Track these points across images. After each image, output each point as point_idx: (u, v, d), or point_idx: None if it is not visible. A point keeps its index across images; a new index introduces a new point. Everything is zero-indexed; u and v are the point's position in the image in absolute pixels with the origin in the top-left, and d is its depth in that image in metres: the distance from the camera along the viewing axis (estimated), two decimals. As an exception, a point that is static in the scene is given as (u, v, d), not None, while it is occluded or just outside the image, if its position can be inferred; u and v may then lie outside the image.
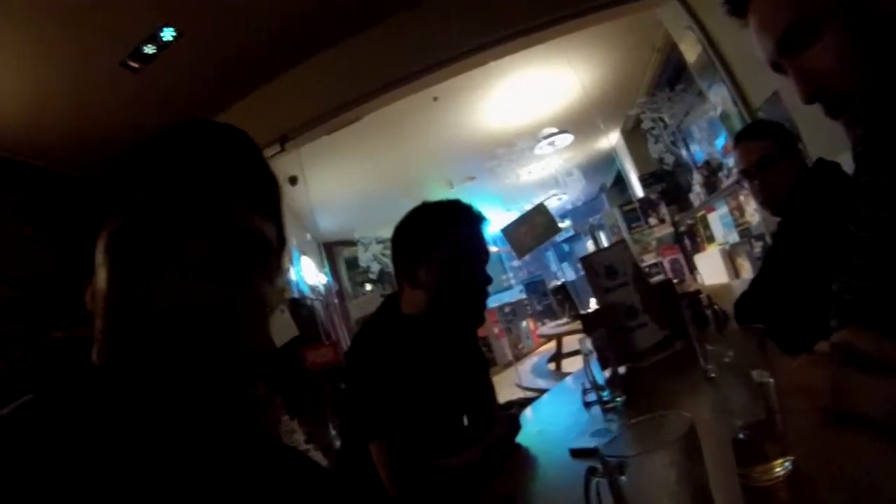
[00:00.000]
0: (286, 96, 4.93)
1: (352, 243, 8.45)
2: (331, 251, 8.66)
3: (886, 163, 1.08)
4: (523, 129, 7.50)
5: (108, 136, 3.50)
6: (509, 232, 6.03)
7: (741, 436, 0.90)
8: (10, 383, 0.73)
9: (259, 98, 4.98)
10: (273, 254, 0.82)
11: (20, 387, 0.71)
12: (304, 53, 4.71)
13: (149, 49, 3.98)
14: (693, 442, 0.66)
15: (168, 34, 3.89)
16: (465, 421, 1.86)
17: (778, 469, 0.86)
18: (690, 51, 4.99)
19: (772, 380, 0.88)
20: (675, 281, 4.03)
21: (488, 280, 1.83)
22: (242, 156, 0.83)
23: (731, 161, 5.46)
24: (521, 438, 1.72)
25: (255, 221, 0.79)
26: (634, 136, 7.97)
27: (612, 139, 8.42)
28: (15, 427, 0.65)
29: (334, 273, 8.46)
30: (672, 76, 6.32)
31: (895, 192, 1.07)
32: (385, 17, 4.50)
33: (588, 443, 1.37)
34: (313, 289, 7.16)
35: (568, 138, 7.95)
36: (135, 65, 4.09)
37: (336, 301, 7.46)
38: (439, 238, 1.77)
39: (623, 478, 0.65)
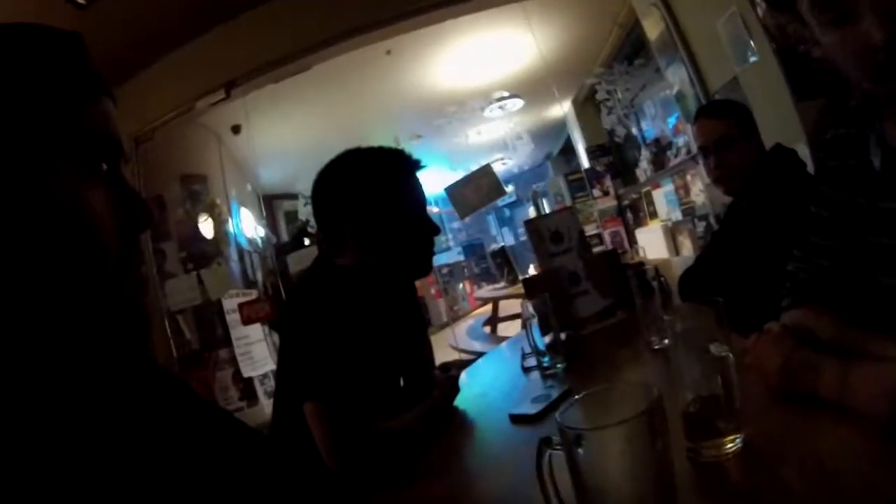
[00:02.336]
0: (233, 42, 4.75)
1: (293, 196, 8.31)
2: (270, 204, 8.48)
3: (855, 149, 1.10)
4: (475, 90, 7.43)
5: None
6: (453, 191, 5.98)
7: (692, 409, 0.88)
8: None
9: (206, 42, 4.80)
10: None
11: None
12: (254, 0, 4.55)
13: None
14: (660, 414, 0.63)
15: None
16: (402, 381, 1.81)
17: (729, 445, 0.85)
18: (653, 28, 4.96)
19: (731, 354, 0.87)
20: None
21: (436, 229, 1.77)
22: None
23: (681, 140, 5.53)
24: (460, 402, 1.69)
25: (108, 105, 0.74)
26: (586, 107, 7.97)
27: (564, 107, 8.40)
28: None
29: (273, 226, 8.31)
30: (631, 51, 6.31)
31: (859, 176, 1.09)
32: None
33: (529, 409, 1.35)
34: (251, 241, 7.04)
35: (518, 103, 7.92)
36: (81, 0, 3.90)
37: (274, 255, 7.36)
38: (387, 184, 1.69)
39: (580, 450, 0.62)
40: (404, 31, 4.64)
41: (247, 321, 5.39)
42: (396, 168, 1.74)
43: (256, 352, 5.73)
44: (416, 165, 1.79)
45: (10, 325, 0.61)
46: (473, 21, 4.91)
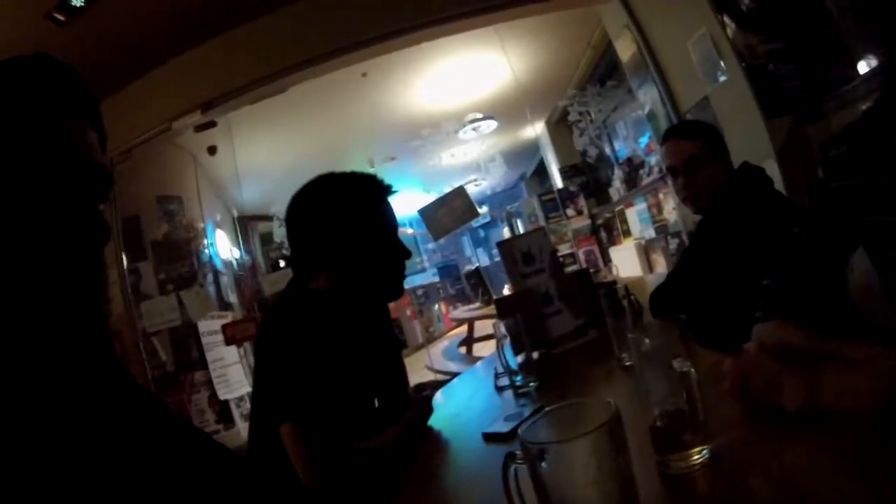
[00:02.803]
0: (211, 63, 4.78)
1: (268, 218, 8.29)
2: (245, 225, 8.47)
3: (858, 169, 1.11)
4: (450, 113, 7.49)
5: None
6: (427, 213, 6.01)
7: (658, 423, 0.90)
8: None
9: (184, 62, 4.82)
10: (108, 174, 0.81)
11: None
12: (231, 22, 4.58)
13: (77, 1, 3.84)
14: (618, 429, 0.65)
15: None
16: (376, 402, 1.82)
17: (696, 457, 0.87)
18: (625, 49, 5.04)
19: (693, 369, 0.89)
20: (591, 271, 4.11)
21: (407, 253, 1.79)
22: (79, 82, 0.81)
23: (653, 160, 5.62)
24: (434, 422, 1.70)
25: (100, 153, 0.79)
26: (559, 128, 8.09)
27: (537, 129, 8.48)
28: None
29: (248, 248, 8.28)
30: (604, 73, 6.41)
31: (858, 197, 1.10)
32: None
33: (501, 427, 1.37)
34: (226, 263, 7.01)
35: (492, 125, 8.00)
36: (61, 17, 3.93)
37: (250, 277, 7.34)
38: (360, 209, 1.71)
39: (543, 464, 0.64)
40: (380, 54, 4.67)
41: (230, 341, 5.39)
42: (369, 192, 1.76)
43: (232, 374, 5.70)
44: (387, 190, 1.80)
45: None
46: (448, 44, 4.97)
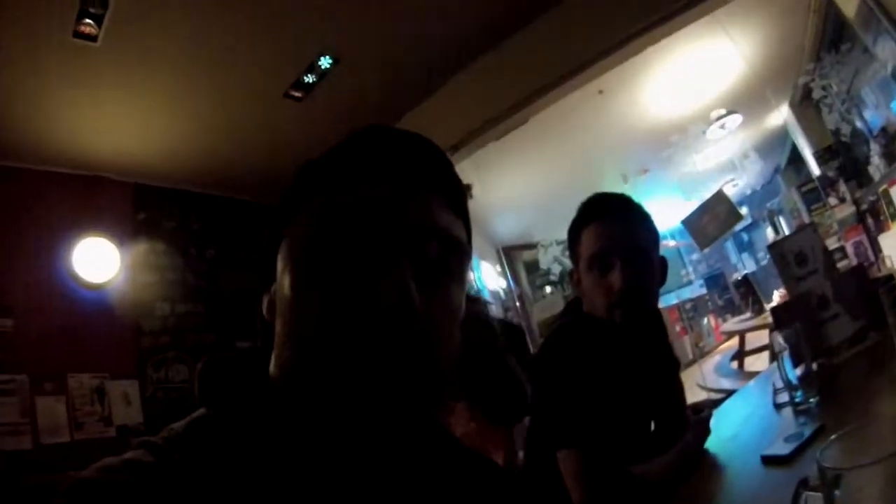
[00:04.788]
0: (451, 107, 4.97)
1: (531, 246, 8.46)
2: (509, 255, 8.72)
3: None
4: (693, 115, 7.20)
5: (279, 161, 3.73)
6: (691, 223, 5.80)
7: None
8: (191, 396, 0.71)
9: (423, 111, 5.08)
10: (467, 258, 0.75)
11: (198, 400, 0.70)
12: (463, 62, 4.73)
13: (309, 78, 4.20)
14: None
15: (325, 62, 4.09)
16: (653, 425, 1.78)
17: None
18: (848, 4, 4.51)
19: None
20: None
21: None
22: (431, 155, 0.77)
23: None
24: (710, 444, 1.61)
25: (452, 221, 0.72)
26: (805, 108, 7.30)
27: (782, 114, 7.85)
28: (187, 442, 0.64)
29: (514, 277, 8.51)
30: (834, 36, 5.70)
31: None
32: (539, 15, 4.44)
33: (781, 449, 1.26)
34: (494, 294, 7.24)
35: (738, 119, 7.53)
36: (297, 94, 4.34)
37: (518, 305, 7.51)
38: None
39: (838, 492, 0.56)
40: (611, 67, 4.59)
41: None
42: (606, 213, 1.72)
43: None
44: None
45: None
46: (673, 44, 4.76)
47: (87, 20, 3.18)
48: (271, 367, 0.69)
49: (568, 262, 1.84)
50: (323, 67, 4.11)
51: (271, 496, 0.60)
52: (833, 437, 0.64)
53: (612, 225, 1.65)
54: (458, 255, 0.71)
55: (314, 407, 0.62)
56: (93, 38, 3.28)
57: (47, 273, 4.10)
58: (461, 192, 0.77)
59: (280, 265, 0.70)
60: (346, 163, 0.71)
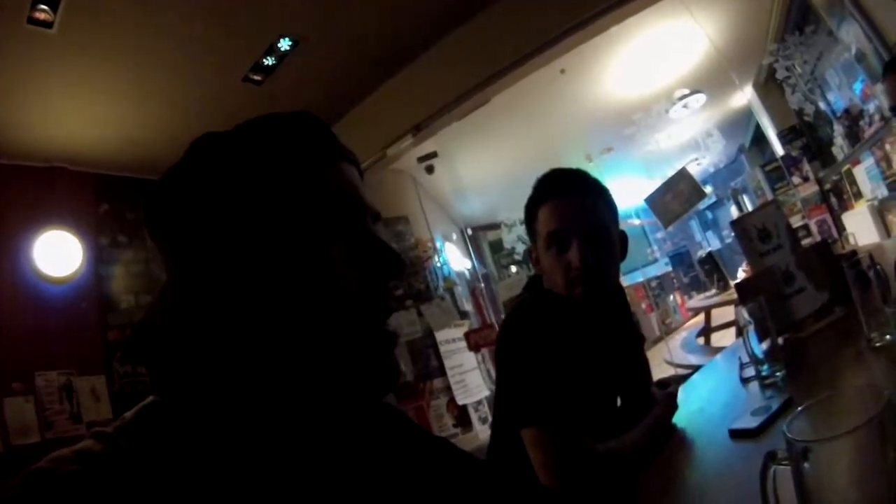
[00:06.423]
0: (413, 87, 4.98)
1: (495, 226, 8.49)
2: (474, 235, 8.76)
3: None
4: (656, 94, 7.27)
5: None
6: (654, 201, 5.85)
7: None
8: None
9: (386, 92, 5.09)
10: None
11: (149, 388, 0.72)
12: (425, 42, 4.74)
13: (268, 60, 4.17)
14: (891, 420, 0.56)
15: (285, 44, 4.07)
16: (618, 401, 1.78)
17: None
18: None
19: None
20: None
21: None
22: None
23: (871, 106, 4.96)
24: (678, 418, 1.63)
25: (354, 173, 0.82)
26: (769, 89, 7.43)
27: (746, 94, 7.95)
28: (136, 429, 0.66)
29: (479, 256, 8.54)
30: (799, 18, 5.79)
31: None
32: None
33: (749, 422, 1.27)
34: (459, 275, 7.26)
35: (701, 98, 7.61)
36: (257, 78, 4.32)
37: (482, 285, 7.54)
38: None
39: (807, 465, 0.57)
40: (573, 47, 4.60)
41: (473, 348, 5.69)
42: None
43: (471, 380, 5.91)
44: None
45: (258, 370, 0.69)
46: (637, 24, 4.79)
47: (42, 6, 3.10)
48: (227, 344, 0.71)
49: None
50: (282, 49, 4.08)
51: (218, 479, 0.62)
52: (799, 409, 0.65)
53: (568, 202, 1.64)
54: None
55: (271, 383, 0.69)
56: (48, 25, 3.21)
57: (8, 269, 4.02)
58: None
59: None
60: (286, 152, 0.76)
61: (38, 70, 3.54)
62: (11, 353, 3.82)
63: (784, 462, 0.61)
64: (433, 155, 5.80)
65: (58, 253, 4.28)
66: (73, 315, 4.27)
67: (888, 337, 1.33)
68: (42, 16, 3.15)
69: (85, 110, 4.07)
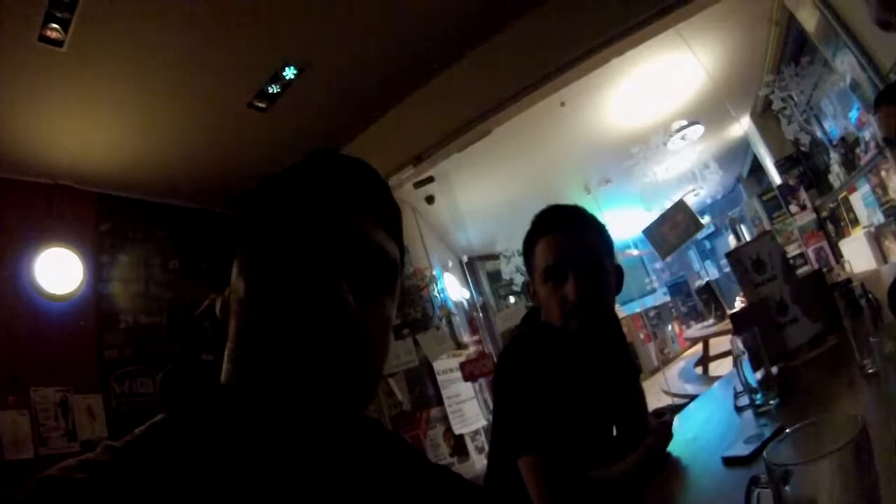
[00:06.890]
0: (415, 118, 5.01)
1: (494, 257, 8.51)
2: (473, 266, 8.78)
3: None
4: (653, 126, 7.30)
5: (244, 172, 3.74)
6: (651, 232, 5.87)
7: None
8: (156, 409, 0.75)
9: (387, 122, 5.11)
10: (399, 275, 0.86)
11: (158, 405, 0.75)
12: (427, 73, 4.77)
13: (273, 88, 4.21)
14: (865, 445, 0.59)
15: (290, 72, 4.11)
16: (615, 431, 1.80)
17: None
18: (809, 18, 4.64)
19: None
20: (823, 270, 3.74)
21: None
22: (370, 180, 0.87)
23: (867, 133, 5.00)
24: (672, 447, 1.64)
25: (386, 240, 0.82)
26: (766, 119, 7.47)
27: (743, 125, 8.01)
28: (145, 444, 0.68)
29: (477, 286, 8.55)
30: (795, 49, 5.88)
31: None
32: (503, 27, 4.48)
33: (742, 450, 1.30)
34: (457, 304, 7.26)
35: (699, 130, 7.65)
36: (261, 104, 4.35)
37: (481, 315, 7.54)
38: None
39: (787, 488, 0.59)
40: (574, 79, 4.65)
41: (469, 378, 5.61)
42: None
43: (468, 409, 5.89)
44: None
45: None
46: (636, 56, 4.83)
47: (54, 24, 3.13)
48: (224, 362, 0.76)
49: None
50: (287, 77, 4.12)
51: (222, 492, 0.65)
52: (782, 435, 0.68)
53: (563, 237, 1.69)
54: (391, 271, 0.83)
55: (262, 394, 0.71)
56: (59, 43, 3.24)
57: (8, 284, 4.02)
58: (397, 216, 0.90)
59: (235, 273, 0.78)
60: (295, 184, 0.82)
61: (46, 87, 3.57)
62: (8, 368, 3.81)
63: (766, 486, 0.63)
64: (430, 180, 5.82)
65: (58, 270, 4.28)
66: (72, 332, 4.27)
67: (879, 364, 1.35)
68: (53, 34, 3.17)
69: (90, 130, 4.09)
